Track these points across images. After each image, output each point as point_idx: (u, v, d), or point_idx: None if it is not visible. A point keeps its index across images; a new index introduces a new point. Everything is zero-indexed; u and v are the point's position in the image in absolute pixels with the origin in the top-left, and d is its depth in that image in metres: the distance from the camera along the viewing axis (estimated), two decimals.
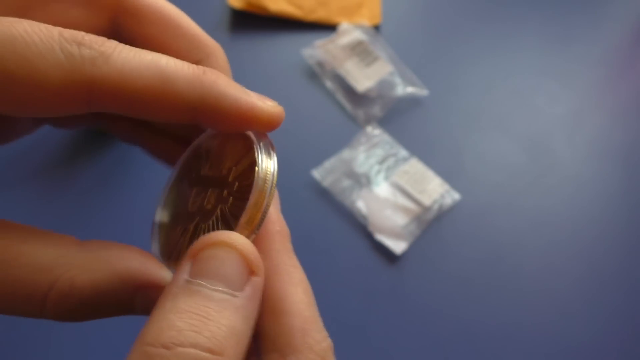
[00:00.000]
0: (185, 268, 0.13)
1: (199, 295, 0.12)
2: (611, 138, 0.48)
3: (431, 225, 0.43)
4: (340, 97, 0.49)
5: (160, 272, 0.15)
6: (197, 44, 0.17)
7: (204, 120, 0.15)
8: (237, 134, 0.16)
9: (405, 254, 0.41)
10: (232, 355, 0.12)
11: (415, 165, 0.45)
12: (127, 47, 0.14)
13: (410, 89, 0.49)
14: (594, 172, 0.46)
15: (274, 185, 0.15)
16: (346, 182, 0.43)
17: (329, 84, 0.49)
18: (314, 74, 0.50)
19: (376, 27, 0.54)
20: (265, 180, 0.15)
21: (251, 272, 0.13)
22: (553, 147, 0.48)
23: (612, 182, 0.46)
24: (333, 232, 0.42)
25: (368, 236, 0.42)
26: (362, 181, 0.44)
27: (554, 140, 0.48)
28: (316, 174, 0.44)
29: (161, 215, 0.18)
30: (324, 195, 0.43)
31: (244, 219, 0.14)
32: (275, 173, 0.15)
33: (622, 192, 0.46)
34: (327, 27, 0.53)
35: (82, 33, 0.13)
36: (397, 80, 0.49)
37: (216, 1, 0.53)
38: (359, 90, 0.48)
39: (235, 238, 0.13)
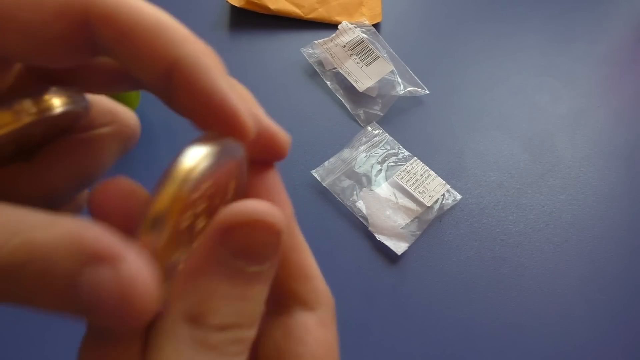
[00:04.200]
0: (217, 244, 0.12)
1: (242, 277, 0.13)
2: (614, 137, 0.48)
3: (432, 226, 0.42)
4: (341, 96, 0.48)
5: (121, 247, 0.11)
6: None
7: (176, 84, 0.14)
8: None
9: (405, 254, 0.41)
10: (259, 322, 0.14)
11: (415, 165, 0.44)
12: None
13: (410, 88, 0.48)
14: (596, 171, 0.46)
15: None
16: (346, 182, 0.43)
17: (329, 83, 0.49)
18: (314, 73, 0.50)
19: (376, 26, 0.53)
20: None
21: (278, 243, 0.13)
22: (555, 147, 0.47)
23: (614, 181, 0.46)
24: (333, 232, 0.42)
25: (368, 236, 0.41)
26: (362, 181, 0.43)
27: (556, 139, 0.48)
28: (316, 174, 0.43)
29: None
30: (324, 195, 0.43)
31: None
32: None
33: (625, 191, 0.45)
34: (328, 26, 0.53)
35: None
36: (398, 79, 0.49)
37: None
38: (359, 89, 0.48)
39: (273, 211, 0.13)
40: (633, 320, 0.39)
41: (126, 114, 0.18)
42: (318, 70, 0.49)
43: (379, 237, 0.41)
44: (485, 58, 0.52)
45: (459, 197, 0.44)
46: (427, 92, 0.48)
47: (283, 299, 0.16)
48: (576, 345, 0.38)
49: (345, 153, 0.45)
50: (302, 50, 0.50)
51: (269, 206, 0.13)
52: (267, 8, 0.51)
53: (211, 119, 0.14)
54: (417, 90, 0.48)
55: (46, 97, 0.14)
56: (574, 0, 0.57)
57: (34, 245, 0.11)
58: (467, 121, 0.48)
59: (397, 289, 0.40)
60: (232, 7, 0.53)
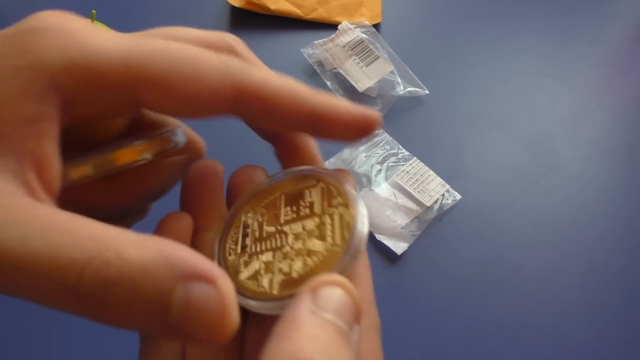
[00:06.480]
0: (306, 299, 0.14)
1: (328, 327, 0.13)
2: (613, 137, 0.48)
3: (432, 226, 0.42)
4: (341, 96, 0.48)
5: (210, 267, 0.13)
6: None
7: (319, 125, 0.18)
8: (309, 179, 0.19)
9: (405, 254, 0.41)
10: None
11: (415, 165, 0.44)
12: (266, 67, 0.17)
13: (410, 89, 0.48)
14: (596, 171, 0.46)
15: (366, 238, 0.17)
16: None
17: (329, 83, 0.49)
18: (314, 73, 0.50)
19: (376, 26, 0.53)
20: (362, 233, 0.17)
21: (357, 318, 0.15)
22: (555, 147, 0.47)
23: (614, 181, 0.46)
24: None
25: (368, 236, 0.41)
26: (362, 181, 0.43)
27: (556, 139, 0.48)
28: None
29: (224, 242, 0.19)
30: None
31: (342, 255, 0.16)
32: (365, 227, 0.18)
33: (625, 191, 0.45)
34: (328, 26, 0.53)
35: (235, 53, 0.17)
36: (398, 79, 0.49)
37: None
38: (359, 89, 0.48)
39: (351, 286, 0.15)
40: (633, 320, 0.39)
41: (199, 143, 0.21)
42: (318, 71, 0.49)
43: (378, 237, 0.41)
44: (485, 58, 0.52)
45: (458, 197, 0.44)
46: (427, 92, 0.48)
47: None
48: (576, 345, 0.38)
49: (345, 153, 0.45)
50: (302, 50, 0.50)
51: (347, 281, 0.15)
52: (267, 8, 0.51)
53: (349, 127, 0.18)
54: (417, 91, 0.48)
55: (158, 139, 0.17)
56: (574, 0, 0.57)
57: (127, 260, 0.12)
58: (466, 121, 0.48)
59: (397, 289, 0.40)
60: (232, 7, 0.53)
